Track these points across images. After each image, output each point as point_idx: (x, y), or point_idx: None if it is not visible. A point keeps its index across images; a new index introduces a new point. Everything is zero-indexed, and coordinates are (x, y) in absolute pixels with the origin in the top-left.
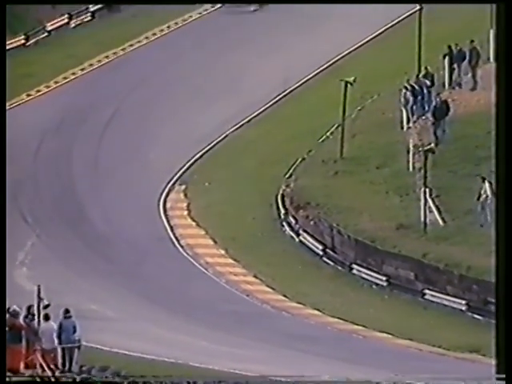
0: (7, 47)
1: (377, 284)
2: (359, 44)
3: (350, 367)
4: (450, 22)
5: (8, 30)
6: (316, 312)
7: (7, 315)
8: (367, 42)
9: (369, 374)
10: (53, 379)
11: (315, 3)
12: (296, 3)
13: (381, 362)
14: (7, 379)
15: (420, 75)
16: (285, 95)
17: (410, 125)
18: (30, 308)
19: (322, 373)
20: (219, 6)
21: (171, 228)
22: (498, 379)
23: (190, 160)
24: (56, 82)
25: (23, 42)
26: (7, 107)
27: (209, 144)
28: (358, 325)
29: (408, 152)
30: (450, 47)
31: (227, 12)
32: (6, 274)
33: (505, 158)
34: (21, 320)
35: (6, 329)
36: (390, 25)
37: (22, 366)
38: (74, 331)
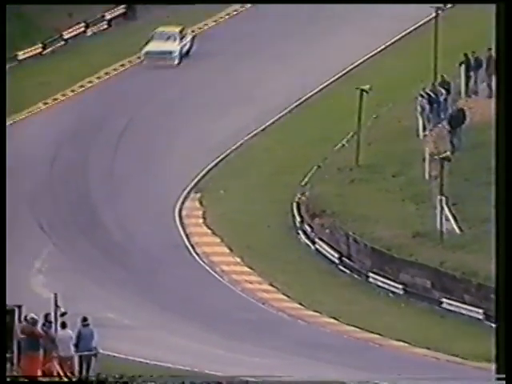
0: (24, 56)
1: (393, 292)
2: (375, 52)
3: (367, 376)
4: (467, 30)
5: (25, 38)
6: (332, 320)
7: (25, 323)
8: (383, 49)
9: (384, 382)
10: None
11: (317, 3)
12: (296, 3)
13: (397, 371)
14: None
15: (436, 83)
16: (300, 103)
17: (426, 133)
18: (47, 316)
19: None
20: (235, 13)
21: (187, 236)
22: (498, 379)
23: (205, 168)
24: (72, 91)
25: (40, 50)
26: (24, 116)
27: (224, 152)
28: (374, 333)
29: (424, 160)
30: (466, 55)
31: (242, 21)
32: (23, 281)
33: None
34: (39, 328)
35: (23, 336)
36: (405, 32)
37: (39, 373)
38: (92, 339)
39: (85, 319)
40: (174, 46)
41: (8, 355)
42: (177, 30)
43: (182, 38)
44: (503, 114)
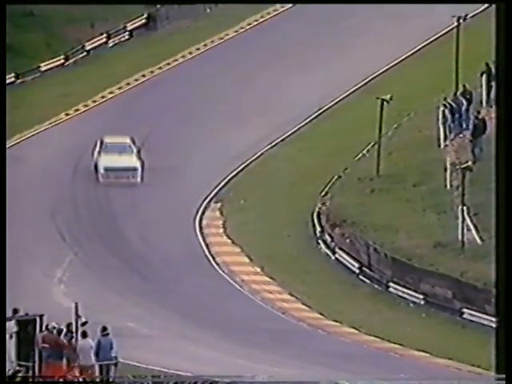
0: (46, 67)
1: (414, 302)
2: (396, 61)
3: None
4: (488, 39)
5: (48, 49)
6: (352, 330)
7: (46, 332)
8: (404, 59)
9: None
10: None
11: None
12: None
13: (418, 382)
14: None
15: (458, 93)
16: (321, 113)
17: (448, 142)
18: (69, 326)
19: None
20: (255, 23)
21: (207, 245)
22: (498, 379)
23: (225, 178)
24: (94, 101)
25: (62, 61)
26: (46, 126)
27: (244, 162)
28: (394, 343)
29: (445, 170)
30: (487, 64)
31: (264, 31)
32: (45, 290)
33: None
34: (62, 337)
35: (46, 345)
36: (427, 42)
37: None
38: (111, 348)
39: (104, 329)
40: (134, 162)
41: (29, 364)
42: (127, 140)
43: (138, 151)
44: (503, 117)
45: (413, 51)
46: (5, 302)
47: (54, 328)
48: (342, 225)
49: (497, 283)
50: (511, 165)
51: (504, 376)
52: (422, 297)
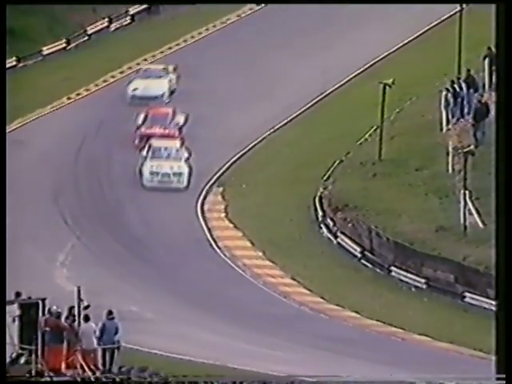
0: (48, 51)
1: (416, 286)
2: (398, 46)
3: (389, 370)
4: (491, 23)
5: (50, 34)
6: (354, 314)
7: (48, 315)
8: (406, 43)
9: (407, 376)
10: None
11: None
12: (307, 3)
13: (420, 365)
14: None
15: (461, 77)
16: (323, 97)
17: (450, 127)
18: (71, 309)
19: (360, 375)
20: (258, 8)
21: (209, 230)
22: (498, 379)
23: (227, 162)
24: (96, 85)
25: (64, 45)
26: (48, 110)
27: (246, 146)
28: (396, 327)
29: (447, 154)
30: (490, 48)
31: (265, 16)
32: (47, 274)
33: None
34: (63, 320)
35: (47, 329)
36: (429, 26)
37: (62, 366)
38: (116, 332)
39: (110, 312)
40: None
41: (32, 347)
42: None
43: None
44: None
45: (415, 35)
46: (5, 300)
47: (57, 312)
48: (344, 209)
49: (497, 284)
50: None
51: (504, 376)
52: (423, 281)
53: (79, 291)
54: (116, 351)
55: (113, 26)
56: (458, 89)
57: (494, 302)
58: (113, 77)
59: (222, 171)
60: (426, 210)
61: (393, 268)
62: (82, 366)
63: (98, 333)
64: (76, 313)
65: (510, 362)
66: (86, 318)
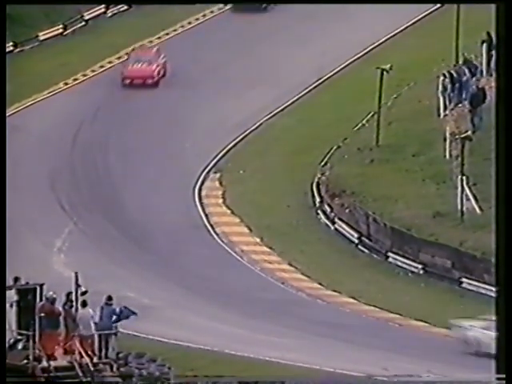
0: (45, 37)
1: (413, 272)
2: (396, 31)
3: (386, 355)
4: (489, 8)
5: (46, 19)
6: (351, 300)
7: (45, 301)
8: (404, 29)
9: (404, 362)
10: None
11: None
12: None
13: (417, 351)
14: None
15: (459, 62)
16: (320, 83)
17: (447, 112)
18: (69, 295)
19: (356, 361)
20: None
21: (206, 216)
22: (498, 379)
23: (224, 148)
24: (93, 71)
25: (61, 31)
26: (45, 96)
27: (244, 132)
28: (393, 313)
29: (445, 140)
30: (488, 34)
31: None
32: (45, 260)
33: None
34: (59, 306)
35: (43, 315)
36: (427, 12)
37: (60, 351)
38: (116, 319)
39: (110, 298)
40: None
41: (30, 333)
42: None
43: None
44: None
45: (413, 21)
46: (5, 298)
47: (52, 297)
48: (342, 195)
49: (497, 283)
50: (511, 134)
51: (504, 376)
52: (420, 266)
53: (77, 277)
54: (113, 337)
55: (110, 12)
56: (455, 74)
57: (491, 288)
58: (110, 62)
59: (219, 157)
60: (423, 195)
61: (390, 254)
62: (79, 352)
63: (96, 318)
64: (74, 298)
65: (510, 362)
66: (84, 304)
